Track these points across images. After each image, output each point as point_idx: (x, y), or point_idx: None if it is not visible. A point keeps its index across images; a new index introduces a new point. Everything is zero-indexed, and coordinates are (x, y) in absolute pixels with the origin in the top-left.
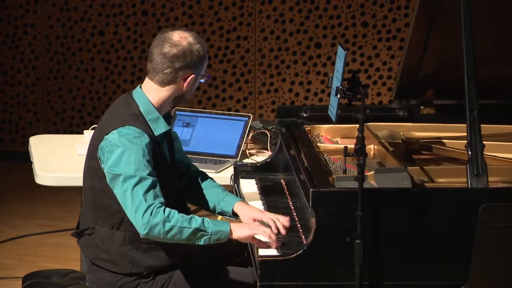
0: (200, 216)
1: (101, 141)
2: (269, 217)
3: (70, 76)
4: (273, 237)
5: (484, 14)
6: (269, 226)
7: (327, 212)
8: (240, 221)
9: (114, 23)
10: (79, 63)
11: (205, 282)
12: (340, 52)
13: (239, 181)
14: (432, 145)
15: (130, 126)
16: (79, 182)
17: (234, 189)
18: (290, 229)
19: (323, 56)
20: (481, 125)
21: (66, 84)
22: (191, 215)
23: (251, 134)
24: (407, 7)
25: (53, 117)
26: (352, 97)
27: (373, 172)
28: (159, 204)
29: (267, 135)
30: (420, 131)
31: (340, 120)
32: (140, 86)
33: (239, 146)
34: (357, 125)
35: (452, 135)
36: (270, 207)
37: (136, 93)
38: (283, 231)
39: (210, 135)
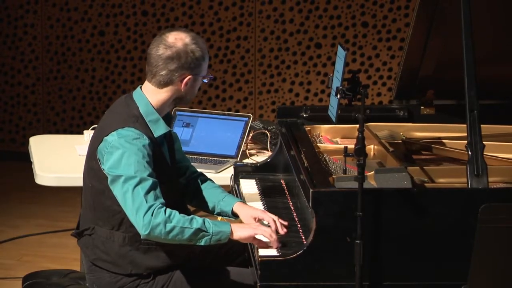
0: (200, 216)
1: (101, 142)
2: (270, 217)
3: (70, 76)
4: (274, 236)
5: (484, 14)
6: (269, 226)
7: (327, 213)
8: (240, 221)
9: (114, 23)
10: (79, 63)
11: (205, 283)
12: (340, 52)
13: (239, 181)
14: (432, 145)
15: (130, 127)
16: (79, 182)
17: (234, 189)
18: (290, 229)
19: (323, 56)
20: (481, 125)
21: (66, 84)
22: (192, 216)
23: (251, 134)
24: (407, 7)
25: (53, 117)
26: (352, 97)
27: (373, 172)
28: (160, 205)
29: (267, 135)
30: (420, 131)
31: (340, 120)
32: (141, 87)
33: (239, 146)
34: (357, 125)
35: (452, 135)
36: (270, 208)
37: (136, 94)
38: (282, 232)
39: (210, 135)
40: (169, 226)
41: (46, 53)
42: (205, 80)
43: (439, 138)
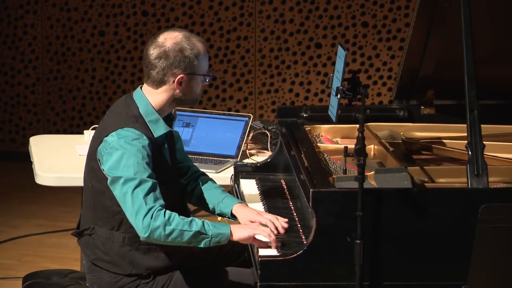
0: (200, 217)
1: (101, 142)
2: (267, 218)
3: (70, 77)
4: (273, 236)
5: (484, 14)
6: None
7: (327, 212)
8: (239, 223)
9: (114, 24)
10: (79, 63)
11: (205, 283)
12: (340, 52)
13: (239, 181)
14: (432, 145)
15: (129, 128)
16: (79, 182)
17: (234, 189)
18: (290, 229)
19: (323, 56)
20: (481, 125)
21: (66, 85)
22: (191, 218)
23: (251, 134)
24: (407, 7)
25: (53, 117)
26: (352, 97)
27: (373, 172)
28: (159, 207)
29: (267, 135)
30: (420, 131)
31: (340, 120)
32: (141, 88)
33: (239, 146)
34: (357, 125)
35: (452, 135)
36: (270, 208)
37: (136, 94)
38: (282, 231)
39: (210, 135)
40: (168, 229)
41: (46, 53)
42: (206, 80)
43: (439, 138)
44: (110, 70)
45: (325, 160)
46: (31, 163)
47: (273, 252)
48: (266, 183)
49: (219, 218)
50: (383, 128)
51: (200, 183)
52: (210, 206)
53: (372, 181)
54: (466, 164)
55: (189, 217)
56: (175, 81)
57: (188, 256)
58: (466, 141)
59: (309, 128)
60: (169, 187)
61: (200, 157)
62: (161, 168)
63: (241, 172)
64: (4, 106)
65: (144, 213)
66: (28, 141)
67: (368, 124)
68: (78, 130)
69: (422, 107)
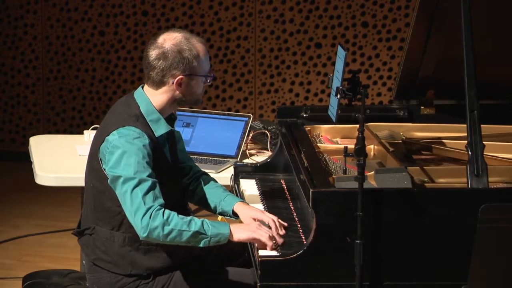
0: (201, 216)
1: (102, 142)
2: (269, 217)
3: (70, 77)
4: (270, 243)
5: (484, 14)
6: (269, 226)
7: (327, 213)
8: (241, 221)
9: (114, 24)
10: (79, 64)
11: (205, 283)
12: (340, 52)
13: (239, 181)
14: (432, 146)
15: (130, 126)
16: (79, 182)
17: (234, 190)
18: (290, 229)
19: (323, 57)
20: (481, 125)
21: (66, 85)
22: (190, 217)
23: (251, 134)
24: (407, 7)
25: (53, 117)
26: (352, 97)
27: (373, 172)
28: (158, 207)
29: (267, 135)
30: (420, 131)
31: (340, 120)
32: (142, 87)
33: (239, 146)
34: (357, 125)
35: (452, 135)
36: (270, 207)
37: (137, 93)
38: (281, 232)
39: (210, 135)
40: (167, 229)
41: (46, 53)
42: (207, 81)
43: (439, 138)
44: (110, 70)
45: (325, 160)
46: (31, 163)
47: (273, 252)
48: (266, 183)
49: (219, 218)
50: (383, 128)
51: (202, 183)
52: (212, 205)
53: (372, 181)
54: (466, 164)
55: (189, 216)
56: (175, 82)
57: (188, 256)
58: (466, 141)
59: (309, 128)
60: (170, 187)
61: (200, 157)
62: (162, 167)
63: (241, 172)
64: (4, 106)
65: (143, 213)
66: (28, 141)
67: (368, 124)
68: (78, 130)
69: (422, 107)
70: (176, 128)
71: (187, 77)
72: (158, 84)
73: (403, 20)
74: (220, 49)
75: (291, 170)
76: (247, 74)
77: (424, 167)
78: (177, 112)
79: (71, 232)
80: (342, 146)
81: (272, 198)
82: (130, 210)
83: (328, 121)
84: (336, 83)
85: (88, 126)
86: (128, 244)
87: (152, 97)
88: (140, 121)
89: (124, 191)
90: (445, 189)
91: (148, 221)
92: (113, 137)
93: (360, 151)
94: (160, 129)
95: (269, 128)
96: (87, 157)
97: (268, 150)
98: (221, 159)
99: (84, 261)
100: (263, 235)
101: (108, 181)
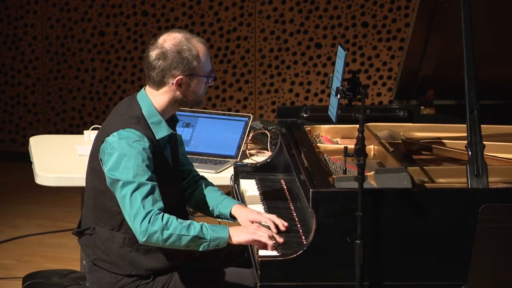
0: (200, 219)
1: (102, 142)
2: (266, 217)
3: (70, 77)
4: (271, 242)
5: (484, 14)
6: (268, 227)
7: (327, 213)
8: (239, 224)
9: (114, 24)
10: (79, 64)
11: (205, 283)
12: (340, 52)
13: (239, 181)
14: (432, 146)
15: (131, 129)
16: (79, 182)
17: (234, 190)
18: (290, 229)
19: (323, 57)
20: (481, 125)
21: (66, 85)
22: (189, 221)
23: (251, 135)
24: (407, 7)
25: (53, 117)
26: (352, 98)
27: (373, 172)
28: (158, 211)
29: (267, 135)
30: (420, 132)
31: (340, 120)
32: (145, 89)
33: (239, 147)
34: (357, 126)
35: (452, 135)
36: (270, 208)
37: (139, 95)
38: (282, 228)
39: (210, 135)
40: (166, 233)
41: (46, 53)
42: (209, 81)
43: (439, 138)
44: (110, 70)
45: (325, 160)
46: (31, 163)
47: (273, 252)
48: (266, 183)
49: (218, 221)
50: (383, 128)
51: (200, 186)
52: (210, 208)
53: (372, 181)
54: (466, 164)
55: (188, 219)
56: (175, 82)
57: (188, 257)
58: (466, 141)
59: (309, 128)
60: (170, 190)
61: (200, 157)
62: (163, 170)
63: (241, 172)
64: (4, 106)
65: (142, 217)
66: (28, 141)
67: (368, 124)
68: (78, 130)
69: (422, 107)
70: (176, 128)
71: (187, 77)
72: (158, 84)
73: (403, 20)
74: (220, 49)
75: (291, 170)
76: (247, 74)
77: (424, 167)
78: (177, 112)
79: (71, 232)
80: (342, 146)
81: (272, 198)
82: (129, 214)
83: (328, 121)
84: (336, 83)
85: (88, 126)
86: (128, 244)
87: (153, 98)
88: (141, 123)
89: (123, 194)
90: (445, 189)
91: (147, 226)
92: (112, 139)
93: (360, 151)
94: (161, 132)
95: (269, 128)
96: (87, 157)
97: (268, 150)
98: (221, 159)
99: (84, 261)
100: (262, 235)
101: (107, 183)
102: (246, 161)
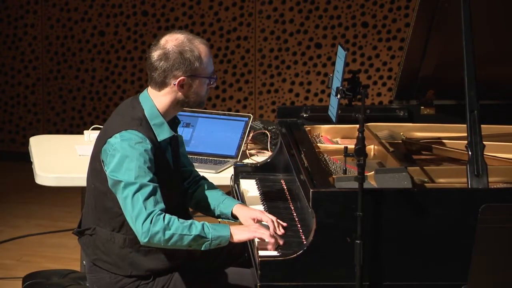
0: (201, 219)
1: (104, 144)
2: (268, 217)
3: (70, 77)
4: (273, 240)
5: (484, 14)
6: (268, 227)
7: (327, 213)
8: (240, 223)
9: (114, 24)
10: (79, 64)
11: (205, 284)
12: (340, 52)
13: (239, 181)
14: (432, 146)
15: (133, 130)
16: (79, 182)
17: (234, 190)
18: (290, 229)
19: (323, 57)
20: (481, 125)
21: (66, 85)
22: (191, 221)
23: (251, 135)
24: (407, 7)
25: (53, 117)
26: (352, 98)
27: (373, 172)
28: (159, 212)
29: (267, 135)
30: (420, 132)
31: (340, 120)
32: (147, 90)
33: (239, 147)
34: (357, 126)
35: (452, 135)
36: (270, 208)
37: (142, 96)
38: (281, 231)
39: (210, 135)
40: (168, 233)
41: (46, 53)
42: (211, 82)
43: (439, 138)
44: (110, 70)
45: (325, 160)
46: (31, 163)
47: (273, 252)
48: (266, 183)
49: (219, 221)
50: (383, 128)
51: (201, 186)
52: (211, 208)
53: (372, 181)
54: (466, 164)
55: (190, 219)
56: (176, 83)
57: (188, 257)
58: (466, 141)
59: (309, 128)
60: (171, 191)
61: (200, 157)
62: (164, 172)
63: (241, 172)
64: (4, 106)
65: (144, 218)
66: (28, 141)
67: (368, 124)
68: (78, 130)
69: (422, 107)
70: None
71: (189, 78)
72: (160, 85)
73: (403, 20)
74: (220, 49)
75: (291, 170)
76: (247, 74)
77: (424, 167)
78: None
79: (71, 232)
80: (342, 146)
81: (272, 198)
82: (131, 216)
83: (328, 121)
84: (336, 83)
85: (88, 126)
86: (128, 245)
87: (155, 99)
88: (143, 125)
89: (125, 196)
90: (445, 189)
91: (149, 227)
92: (115, 140)
93: (360, 151)
94: (163, 134)
95: (269, 128)
96: (87, 157)
97: (268, 150)
98: (221, 159)
99: (84, 261)
100: (264, 233)
101: (109, 184)
102: (246, 161)
